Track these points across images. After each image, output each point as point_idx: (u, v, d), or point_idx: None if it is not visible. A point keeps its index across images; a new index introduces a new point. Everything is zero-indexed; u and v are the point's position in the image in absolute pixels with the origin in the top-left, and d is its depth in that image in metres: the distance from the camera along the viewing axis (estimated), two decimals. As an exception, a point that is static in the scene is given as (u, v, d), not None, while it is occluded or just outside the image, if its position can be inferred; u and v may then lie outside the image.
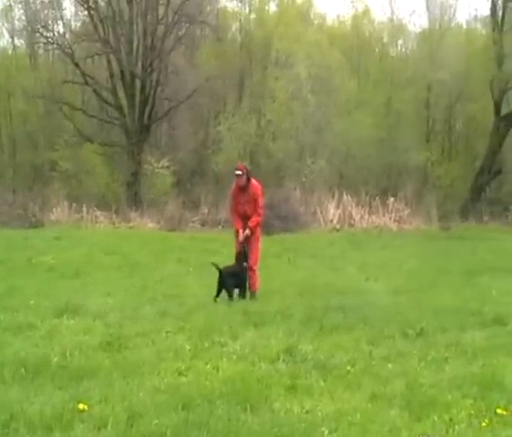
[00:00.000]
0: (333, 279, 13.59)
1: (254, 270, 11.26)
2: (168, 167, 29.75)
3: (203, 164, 32.66)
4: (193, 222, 27.99)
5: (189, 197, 30.75)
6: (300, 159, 31.79)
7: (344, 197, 29.13)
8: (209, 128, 34.23)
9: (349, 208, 28.92)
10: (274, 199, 25.85)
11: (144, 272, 14.30)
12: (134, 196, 30.19)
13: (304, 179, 30.08)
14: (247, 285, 11.13)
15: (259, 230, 11.47)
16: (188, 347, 7.24)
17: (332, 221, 28.50)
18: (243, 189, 11.09)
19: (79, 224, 26.97)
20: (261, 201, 11.30)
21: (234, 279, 10.89)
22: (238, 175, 11.08)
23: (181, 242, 21.41)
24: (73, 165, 30.70)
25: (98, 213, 28.26)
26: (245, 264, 11.05)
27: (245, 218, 11.17)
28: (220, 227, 26.65)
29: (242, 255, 11.06)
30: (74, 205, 28.53)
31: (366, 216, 28.94)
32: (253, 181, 11.25)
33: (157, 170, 29.58)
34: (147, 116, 32.02)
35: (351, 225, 28.46)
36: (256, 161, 31.25)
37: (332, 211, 28.90)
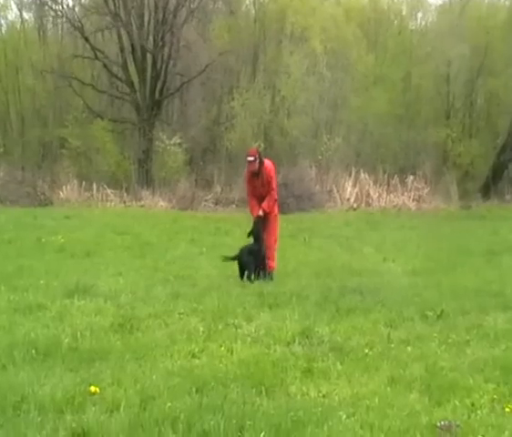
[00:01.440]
0: (350, 259, 13.56)
1: (274, 249, 11.35)
2: (179, 144, 29.46)
3: (216, 141, 32.46)
4: (206, 201, 27.91)
5: (201, 175, 30.62)
6: (315, 136, 31.38)
7: (362, 175, 28.99)
8: (222, 104, 33.73)
9: (366, 187, 28.82)
10: (289, 178, 26.00)
11: (156, 253, 14.28)
12: (145, 174, 30.02)
13: (320, 157, 29.66)
14: (266, 263, 11.16)
15: (276, 209, 11.55)
16: (201, 329, 7.26)
17: (348, 200, 28.44)
18: (257, 174, 11.17)
19: (89, 203, 27.09)
20: (274, 182, 11.38)
21: (253, 257, 10.91)
22: (250, 161, 11.13)
23: (194, 222, 21.41)
24: (83, 142, 30.39)
25: (109, 192, 28.21)
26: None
27: (263, 200, 11.29)
28: (234, 206, 26.62)
29: (257, 229, 11.11)
30: (84, 183, 28.51)
31: (384, 195, 28.87)
32: (266, 163, 11.29)
33: (168, 147, 29.25)
34: (158, 91, 31.73)
35: (368, 204, 28.40)
36: (270, 138, 30.88)
37: (349, 190, 28.82)
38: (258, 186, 11.22)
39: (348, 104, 32.48)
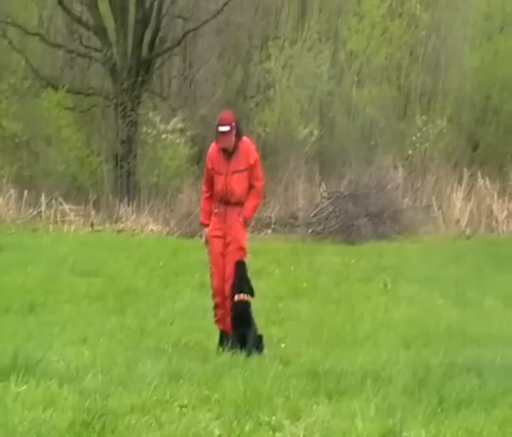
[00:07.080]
0: (461, 318, 13.48)
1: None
2: (182, 130, 28.60)
3: (241, 125, 31.46)
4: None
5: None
6: (403, 117, 30.77)
7: (480, 181, 27.97)
8: (250, 66, 32.92)
9: (487, 201, 27.95)
10: (360, 185, 25.36)
11: (143, 306, 14.16)
12: (126, 179, 29.16)
13: (411, 152, 28.86)
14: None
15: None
16: (216, 432, 6.89)
17: (458, 222, 27.63)
18: (229, 155, 10.59)
19: (35, 225, 26.18)
20: (261, 171, 10.91)
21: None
22: (223, 132, 10.43)
23: (205, 256, 20.49)
24: (24, 126, 29.34)
25: (66, 207, 27.42)
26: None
27: (227, 205, 10.72)
28: (270, 230, 25.65)
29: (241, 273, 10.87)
30: (26, 193, 27.60)
31: (517, 213, 28.28)
32: (245, 139, 10.83)
33: (164, 136, 28.38)
34: (147, 45, 30.57)
35: (490, 228, 27.65)
36: (330, 120, 29.98)
37: (459, 206, 27.85)
38: (227, 173, 10.55)
39: (458, 63, 31.06)
